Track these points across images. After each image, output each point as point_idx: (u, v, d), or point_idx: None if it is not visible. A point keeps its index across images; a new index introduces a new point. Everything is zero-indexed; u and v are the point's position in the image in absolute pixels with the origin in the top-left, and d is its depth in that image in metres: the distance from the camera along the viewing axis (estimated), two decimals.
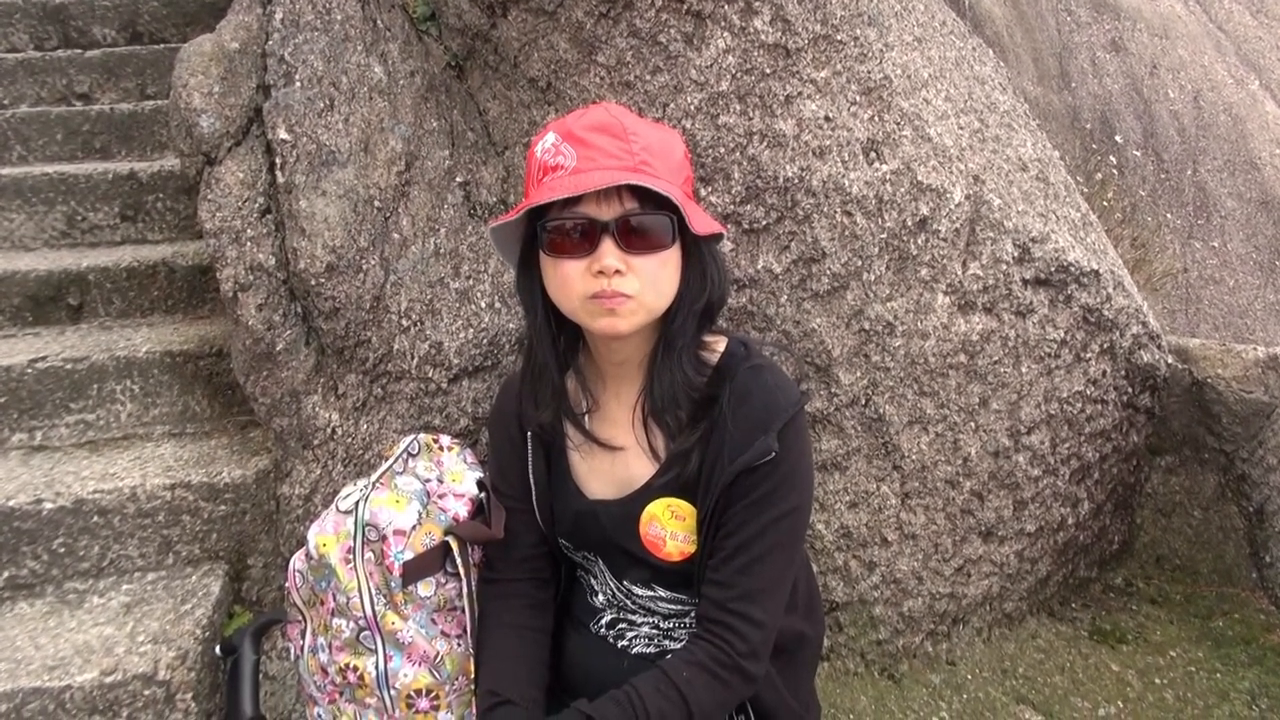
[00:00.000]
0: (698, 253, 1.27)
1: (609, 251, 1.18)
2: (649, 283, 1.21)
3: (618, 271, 1.18)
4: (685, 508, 1.30)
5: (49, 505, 1.88)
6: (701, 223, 1.22)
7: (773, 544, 1.24)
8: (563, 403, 1.39)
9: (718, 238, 1.31)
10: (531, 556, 1.48)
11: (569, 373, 1.41)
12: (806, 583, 1.49)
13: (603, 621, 1.44)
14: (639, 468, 1.35)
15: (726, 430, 1.24)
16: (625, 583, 1.41)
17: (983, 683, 2.07)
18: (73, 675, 1.61)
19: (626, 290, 1.19)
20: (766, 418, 1.23)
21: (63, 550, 1.90)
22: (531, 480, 1.44)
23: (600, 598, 1.45)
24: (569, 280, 1.22)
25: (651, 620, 1.40)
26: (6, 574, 1.88)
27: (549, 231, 1.23)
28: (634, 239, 1.19)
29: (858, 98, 1.86)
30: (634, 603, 1.40)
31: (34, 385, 2.15)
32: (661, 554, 1.32)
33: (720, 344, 1.34)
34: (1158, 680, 2.07)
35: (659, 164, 1.21)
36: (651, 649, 1.39)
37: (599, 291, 1.20)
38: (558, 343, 1.36)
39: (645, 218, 1.19)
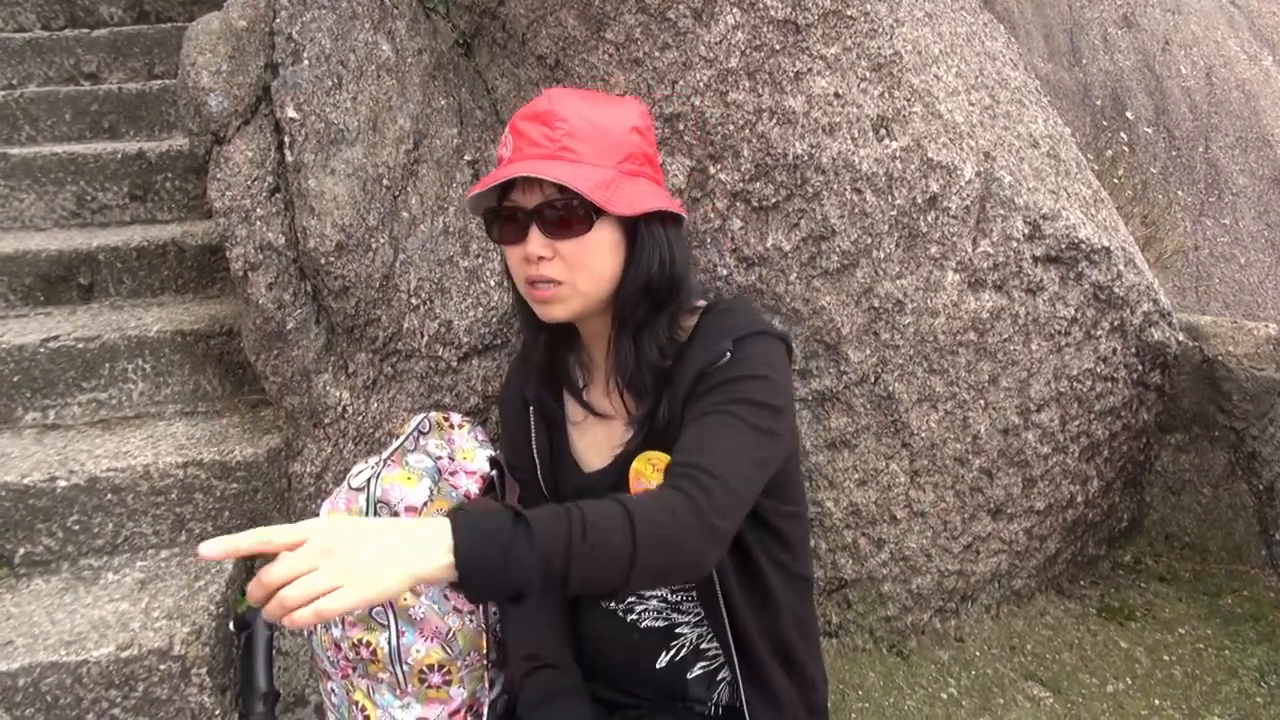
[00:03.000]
0: (639, 233, 1.29)
1: (534, 238, 1.25)
2: (577, 266, 1.26)
3: (542, 257, 1.25)
4: (663, 457, 1.30)
5: (63, 483, 1.90)
6: (630, 203, 1.24)
7: (730, 419, 1.19)
8: (564, 377, 1.45)
9: (668, 216, 1.31)
10: None
11: (573, 348, 1.47)
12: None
13: (610, 601, 1.46)
14: (622, 434, 1.38)
15: (689, 357, 1.27)
16: None
17: (991, 659, 2.08)
18: (89, 650, 1.63)
19: (552, 275, 1.26)
20: (723, 334, 1.27)
21: (77, 527, 1.92)
22: (535, 455, 1.47)
23: None
24: (512, 266, 1.33)
25: (659, 593, 1.41)
26: (23, 550, 1.90)
27: (486, 221, 1.34)
28: (556, 225, 1.25)
29: (868, 74, 1.85)
30: None
31: (46, 364, 2.16)
32: None
33: (697, 313, 1.36)
34: (1166, 657, 2.08)
35: (585, 146, 1.24)
36: (660, 622, 1.41)
37: (528, 276, 1.28)
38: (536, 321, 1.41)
39: (560, 203, 1.23)
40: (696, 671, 1.41)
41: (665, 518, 1.07)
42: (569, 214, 1.23)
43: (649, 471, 1.32)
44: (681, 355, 1.29)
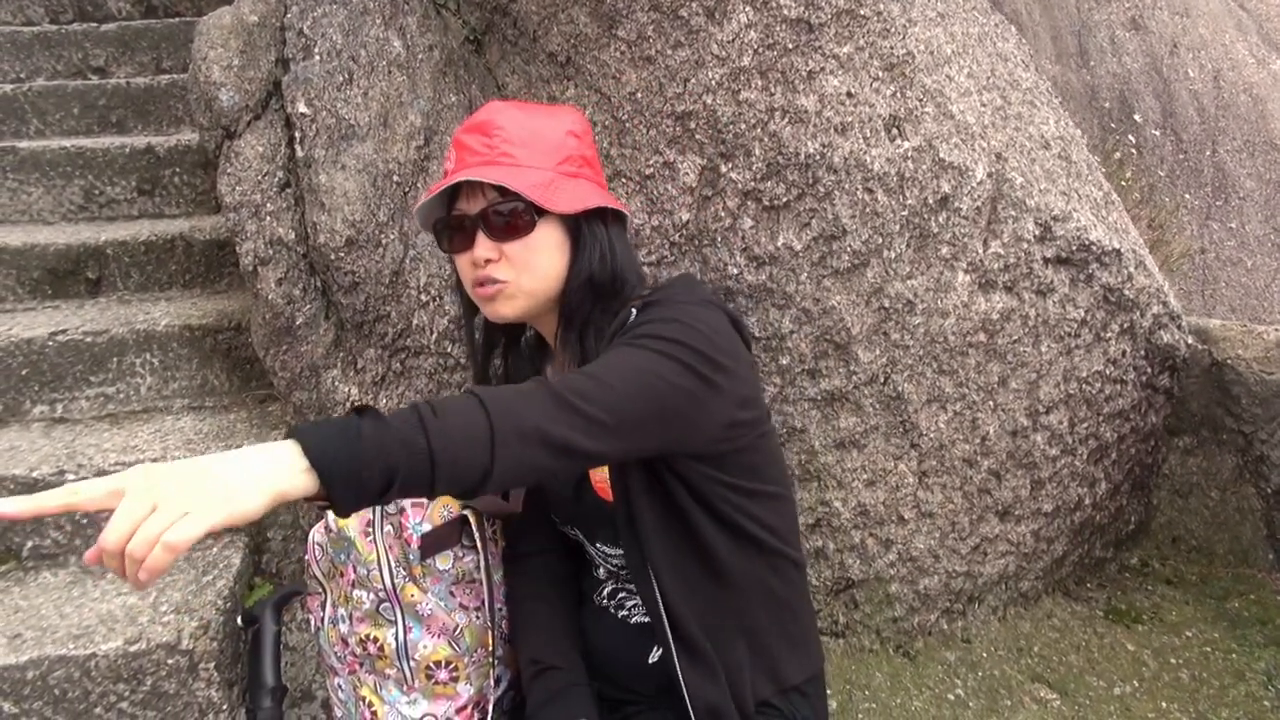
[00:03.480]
0: (581, 232, 1.32)
1: (480, 242, 1.29)
2: (522, 266, 1.30)
3: (489, 260, 1.29)
4: None
5: (71, 477, 1.90)
6: (570, 201, 1.28)
7: (635, 348, 1.16)
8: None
9: (609, 215, 1.35)
10: (548, 530, 1.52)
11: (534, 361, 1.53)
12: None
13: (604, 592, 1.47)
14: None
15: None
16: (599, 544, 1.43)
17: (998, 661, 2.08)
18: (98, 644, 1.63)
19: (499, 276, 1.30)
20: (635, 287, 1.33)
21: (84, 521, 1.92)
22: None
23: (601, 570, 1.48)
24: (461, 273, 1.36)
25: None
26: (30, 544, 1.90)
27: (435, 232, 1.37)
28: (500, 228, 1.28)
29: (880, 74, 1.85)
30: (615, 565, 1.42)
31: (55, 358, 2.17)
32: (610, 498, 1.32)
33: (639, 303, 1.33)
34: (1173, 660, 2.07)
35: (523, 152, 1.28)
36: (649, 618, 1.40)
37: (476, 278, 1.32)
38: (474, 332, 1.50)
39: (503, 206, 1.27)
40: None
41: (512, 393, 1.03)
42: (512, 216, 1.27)
43: None
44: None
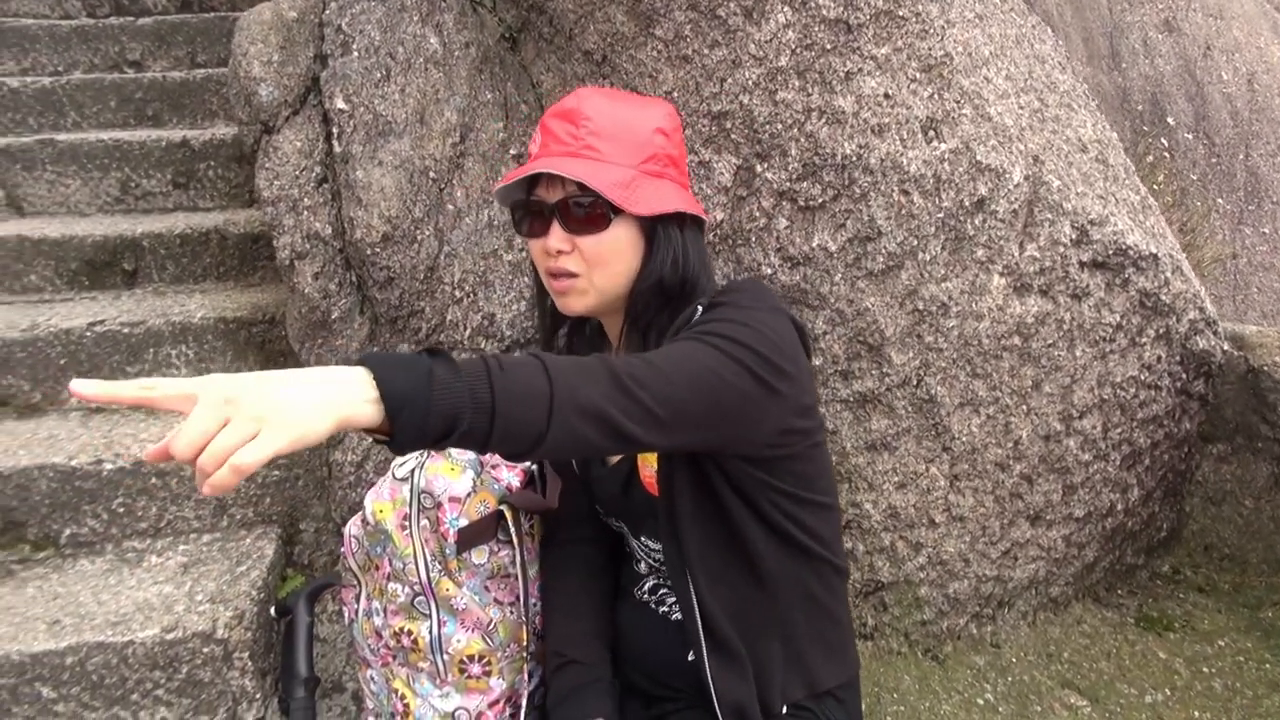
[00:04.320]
0: (656, 234, 1.30)
1: (555, 232, 1.29)
2: (594, 262, 1.29)
3: (561, 251, 1.29)
4: None
5: (109, 466, 1.92)
6: (649, 203, 1.26)
7: (695, 340, 1.16)
8: None
9: (687, 218, 1.33)
10: (586, 520, 1.53)
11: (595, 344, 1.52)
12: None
13: (645, 587, 1.47)
14: None
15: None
16: (643, 539, 1.44)
17: (1028, 666, 2.07)
18: (135, 631, 1.65)
19: (570, 268, 1.29)
20: (705, 291, 1.30)
21: (122, 510, 1.95)
22: None
23: (642, 565, 1.48)
24: (535, 258, 1.36)
25: None
26: (69, 531, 1.93)
27: (514, 214, 1.37)
28: (576, 220, 1.28)
29: (918, 75, 1.84)
30: (658, 561, 1.42)
31: (93, 348, 2.19)
32: (656, 491, 1.32)
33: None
34: (1206, 669, 2.05)
35: (608, 145, 1.27)
36: (683, 616, 1.40)
37: (548, 268, 1.32)
38: (546, 313, 1.49)
39: (581, 199, 1.26)
40: None
41: (574, 366, 1.03)
42: (589, 211, 1.26)
43: (654, 457, 1.33)
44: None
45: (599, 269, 1.29)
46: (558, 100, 1.37)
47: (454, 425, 0.91)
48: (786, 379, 1.19)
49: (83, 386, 0.79)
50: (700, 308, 1.25)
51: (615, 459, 1.43)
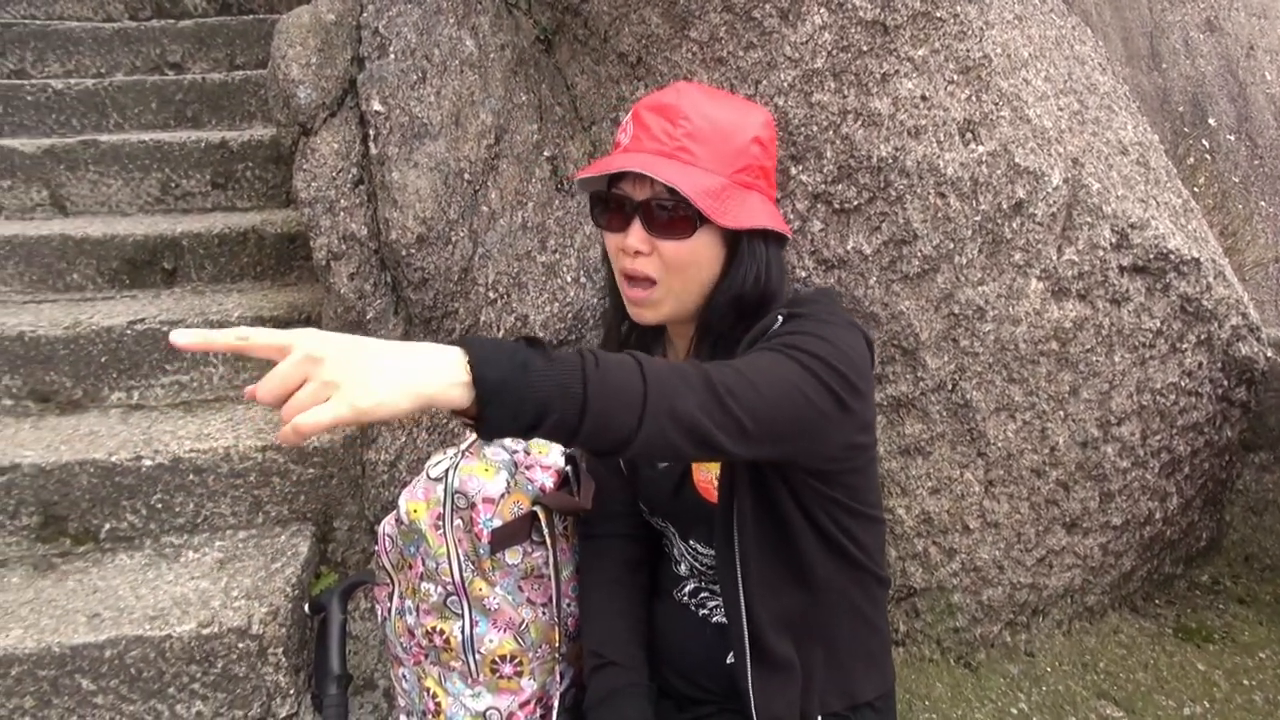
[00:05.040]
0: (740, 247, 1.26)
1: (635, 231, 1.24)
2: (673, 268, 1.25)
3: (640, 252, 1.25)
4: None
5: (148, 462, 1.95)
6: (737, 216, 1.22)
7: (777, 352, 1.15)
8: None
9: (772, 234, 1.29)
10: (624, 514, 1.52)
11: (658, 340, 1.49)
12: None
13: (686, 590, 1.46)
14: None
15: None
16: (691, 541, 1.43)
17: (1062, 676, 2.04)
18: (172, 626, 1.68)
19: (648, 271, 1.26)
20: (783, 304, 1.26)
21: (160, 506, 1.97)
22: None
23: (683, 566, 1.47)
24: (610, 253, 1.33)
25: None
26: (108, 526, 1.96)
27: (591, 204, 1.33)
28: (659, 223, 1.23)
29: (955, 77, 1.82)
30: (704, 564, 1.41)
31: (133, 346, 2.23)
32: (713, 498, 1.32)
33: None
34: (1246, 682, 2.01)
35: (703, 150, 1.22)
36: (728, 620, 1.40)
37: (624, 269, 1.28)
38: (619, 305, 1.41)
39: (668, 202, 1.21)
40: None
41: (669, 371, 1.01)
42: (674, 216, 1.22)
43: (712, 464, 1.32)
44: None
45: (677, 275, 1.26)
46: (655, 90, 1.33)
47: (543, 417, 0.90)
48: (860, 397, 1.18)
49: (180, 336, 0.80)
50: (780, 318, 1.22)
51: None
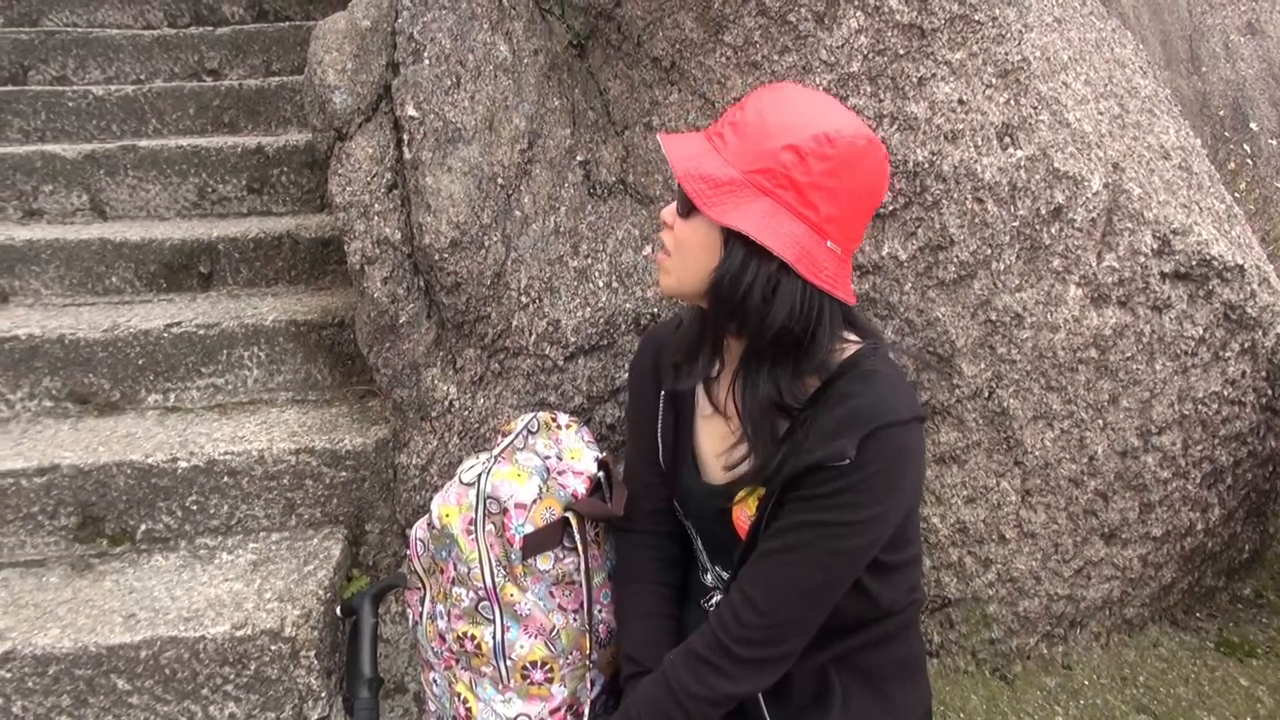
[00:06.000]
0: (729, 251, 1.19)
1: (671, 206, 1.29)
2: (676, 246, 1.27)
3: (666, 224, 1.29)
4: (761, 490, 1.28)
5: (183, 464, 1.97)
6: (724, 212, 1.16)
7: (809, 544, 1.17)
8: (700, 357, 1.35)
9: (772, 252, 1.15)
10: (661, 510, 1.52)
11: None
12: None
13: (712, 600, 1.45)
14: (730, 439, 1.34)
15: (816, 424, 1.18)
16: (717, 566, 1.42)
17: (1101, 689, 2.00)
18: (206, 627, 1.68)
19: (664, 240, 1.29)
20: (855, 421, 1.15)
21: (195, 507, 1.99)
22: (660, 439, 1.47)
23: (709, 576, 1.46)
24: None
25: None
26: (144, 527, 1.97)
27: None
28: (680, 200, 1.26)
29: (994, 80, 1.80)
30: (726, 584, 1.40)
31: (169, 349, 2.25)
32: (743, 535, 1.31)
33: (851, 347, 1.27)
34: None
35: (736, 140, 1.19)
36: None
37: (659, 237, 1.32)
38: None
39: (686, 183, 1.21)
40: None
41: (701, 671, 1.22)
42: (684, 194, 1.23)
43: (753, 502, 1.30)
44: (807, 410, 1.22)
45: (677, 255, 1.26)
46: None
47: None
48: (893, 513, 1.19)
49: None
50: (848, 459, 1.13)
51: (719, 481, 1.38)
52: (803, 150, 1.14)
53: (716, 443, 1.40)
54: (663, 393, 1.48)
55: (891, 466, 1.15)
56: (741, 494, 1.31)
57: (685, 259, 1.25)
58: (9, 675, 1.64)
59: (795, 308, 1.16)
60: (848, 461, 1.13)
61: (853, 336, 1.28)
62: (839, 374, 1.22)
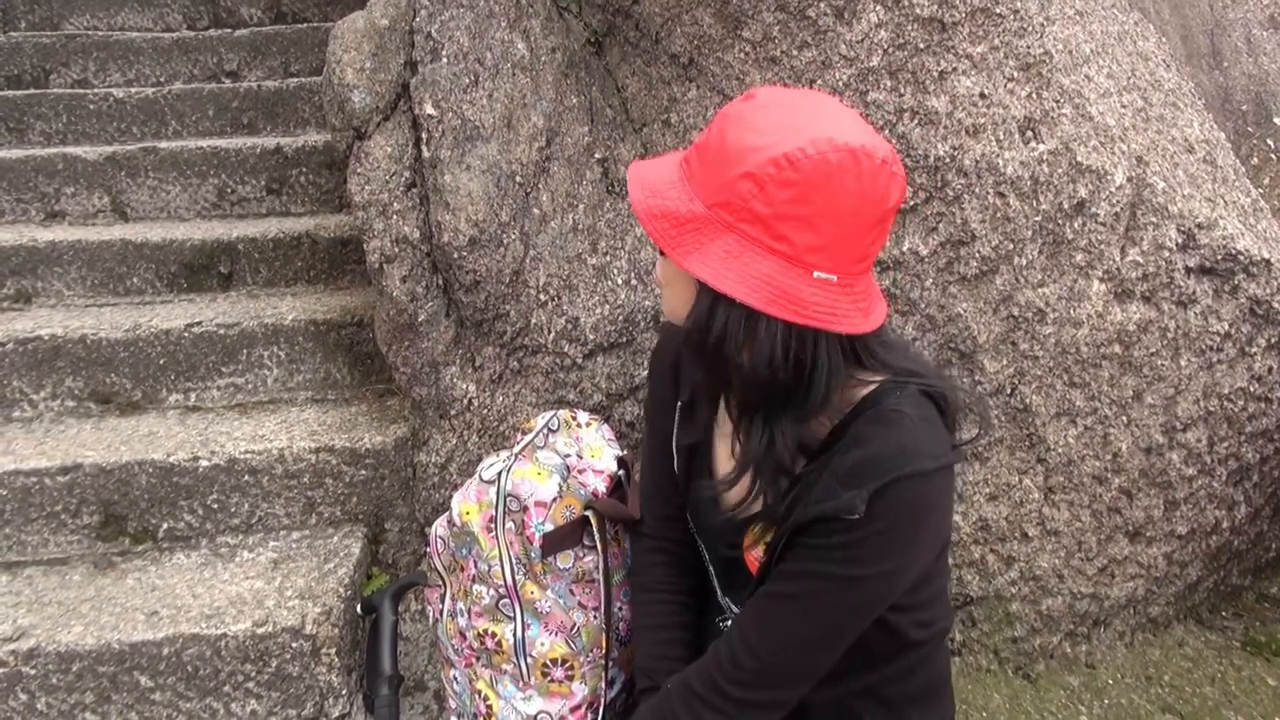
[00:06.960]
0: (698, 298, 1.06)
1: None
2: (664, 283, 1.17)
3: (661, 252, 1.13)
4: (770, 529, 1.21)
5: (205, 463, 1.98)
6: (686, 255, 1.02)
7: (813, 594, 1.08)
8: None
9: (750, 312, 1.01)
10: (675, 516, 1.48)
11: None
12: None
13: (726, 623, 1.42)
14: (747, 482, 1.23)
15: (829, 468, 1.07)
16: (727, 597, 1.39)
17: (1125, 689, 1.98)
18: (228, 625, 1.69)
19: (657, 274, 1.21)
20: (869, 472, 1.03)
21: (216, 506, 2.00)
22: (674, 448, 1.44)
23: (722, 600, 1.43)
24: None
25: None
26: (166, 525, 1.99)
27: None
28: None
29: (1015, 74, 1.78)
30: (735, 613, 1.37)
31: (190, 349, 2.26)
32: (754, 572, 1.26)
33: (871, 385, 1.13)
34: None
35: (700, 168, 1.05)
36: None
37: None
38: None
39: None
40: None
41: (696, 707, 1.16)
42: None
43: (762, 546, 1.24)
44: (820, 453, 1.12)
45: (665, 290, 1.18)
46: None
47: None
48: (922, 591, 1.15)
49: None
50: (858, 513, 1.02)
51: (727, 510, 1.29)
52: (760, 178, 0.98)
53: (731, 463, 1.35)
54: (680, 403, 1.41)
55: (907, 521, 1.04)
56: (752, 534, 1.25)
57: (670, 297, 1.16)
58: (34, 672, 1.65)
59: (776, 353, 1.02)
60: (857, 517, 1.02)
61: (869, 374, 1.13)
62: (855, 414, 1.11)
